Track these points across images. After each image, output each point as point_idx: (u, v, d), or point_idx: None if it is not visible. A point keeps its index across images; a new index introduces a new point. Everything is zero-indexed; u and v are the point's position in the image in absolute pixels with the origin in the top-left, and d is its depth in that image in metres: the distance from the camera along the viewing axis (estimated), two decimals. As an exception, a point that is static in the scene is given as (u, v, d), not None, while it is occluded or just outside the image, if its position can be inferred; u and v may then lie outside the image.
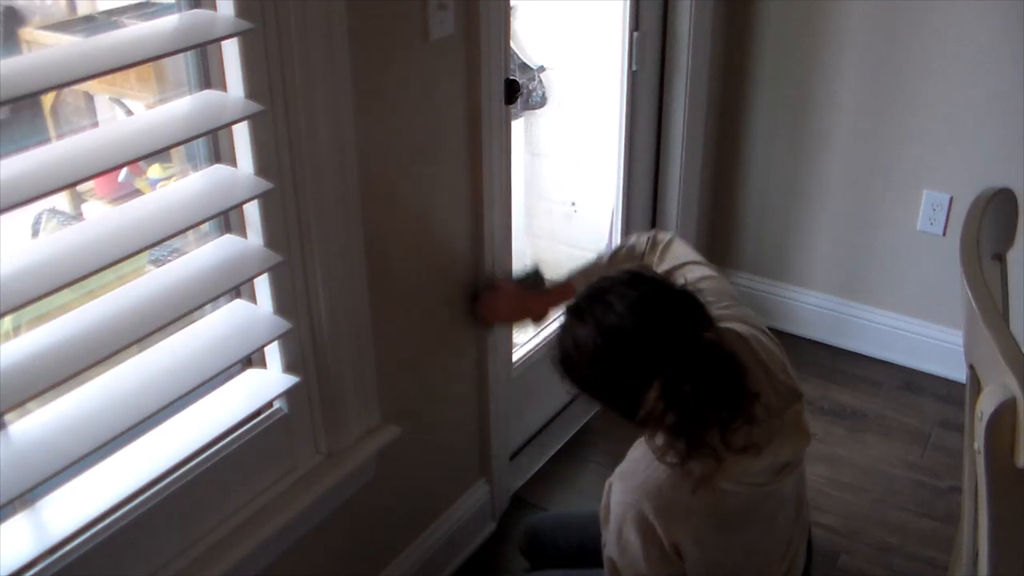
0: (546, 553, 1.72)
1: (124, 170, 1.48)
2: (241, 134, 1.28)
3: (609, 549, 1.41)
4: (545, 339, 2.27)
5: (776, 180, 2.69)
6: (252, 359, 1.43)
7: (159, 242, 1.14)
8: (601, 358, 1.25)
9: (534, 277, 1.77)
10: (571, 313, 1.31)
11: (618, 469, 1.40)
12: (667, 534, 1.33)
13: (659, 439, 1.30)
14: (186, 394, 1.21)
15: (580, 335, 1.27)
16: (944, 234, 2.49)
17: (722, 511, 1.35)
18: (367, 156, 1.43)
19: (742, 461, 1.28)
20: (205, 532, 1.37)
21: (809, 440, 1.40)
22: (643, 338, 1.23)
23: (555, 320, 1.67)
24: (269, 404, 1.45)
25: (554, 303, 1.73)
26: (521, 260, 2.97)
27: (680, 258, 1.59)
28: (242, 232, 1.34)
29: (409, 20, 1.45)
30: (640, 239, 1.67)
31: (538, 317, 1.78)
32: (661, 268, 1.59)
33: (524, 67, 2.72)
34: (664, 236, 1.65)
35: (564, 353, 1.30)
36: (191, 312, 1.22)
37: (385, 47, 1.42)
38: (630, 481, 1.36)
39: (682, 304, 1.27)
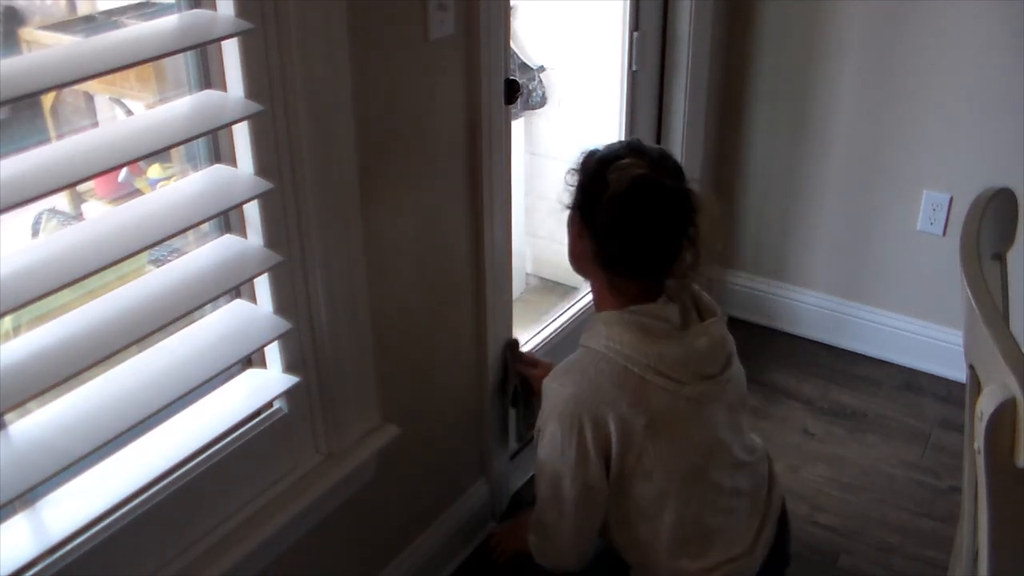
0: None
1: (124, 170, 1.48)
2: (241, 134, 1.28)
3: (539, 446, 1.52)
4: (544, 341, 2.27)
5: (776, 180, 2.69)
6: (252, 359, 1.43)
7: (159, 242, 1.14)
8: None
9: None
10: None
11: (553, 369, 1.53)
12: (593, 424, 1.41)
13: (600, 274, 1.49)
14: (186, 394, 1.21)
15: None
16: (944, 234, 2.49)
17: (648, 404, 1.41)
18: (366, 156, 1.43)
19: (661, 343, 1.42)
20: (205, 532, 1.37)
21: (726, 344, 1.50)
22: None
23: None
24: (269, 404, 1.45)
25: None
26: (520, 260, 2.98)
27: None
28: (242, 232, 1.34)
29: (409, 20, 1.45)
30: None
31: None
32: None
33: (524, 67, 2.72)
34: None
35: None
36: (191, 312, 1.22)
37: (385, 47, 1.42)
38: (560, 369, 1.50)
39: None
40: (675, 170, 1.46)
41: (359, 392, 1.54)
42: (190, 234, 1.30)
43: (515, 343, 1.93)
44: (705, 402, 1.47)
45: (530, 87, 2.74)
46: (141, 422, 1.16)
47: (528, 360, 1.92)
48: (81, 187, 1.42)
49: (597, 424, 1.42)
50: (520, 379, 1.92)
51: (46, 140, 1.19)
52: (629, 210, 1.42)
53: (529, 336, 2.27)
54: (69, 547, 1.18)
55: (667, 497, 1.48)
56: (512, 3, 1.68)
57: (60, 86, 1.03)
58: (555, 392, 1.47)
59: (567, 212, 1.54)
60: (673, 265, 1.46)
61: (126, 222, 1.15)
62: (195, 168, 1.32)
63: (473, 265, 1.79)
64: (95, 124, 1.43)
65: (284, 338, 1.40)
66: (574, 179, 1.50)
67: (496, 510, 2.09)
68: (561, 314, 2.37)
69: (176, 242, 1.32)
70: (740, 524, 1.56)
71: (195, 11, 1.21)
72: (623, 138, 2.16)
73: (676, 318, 1.47)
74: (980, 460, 0.99)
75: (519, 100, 1.91)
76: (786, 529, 1.70)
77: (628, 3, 2.30)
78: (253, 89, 1.25)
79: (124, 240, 1.11)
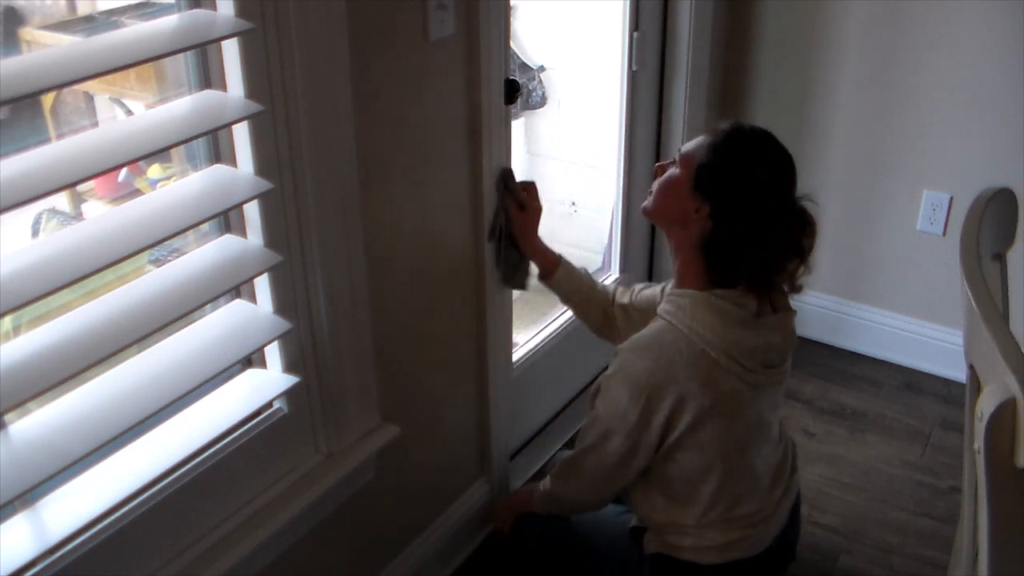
0: None
1: (124, 170, 1.48)
2: (241, 134, 1.28)
3: (598, 399, 1.57)
4: (544, 340, 2.27)
5: (776, 180, 2.69)
6: (252, 359, 1.43)
7: (159, 242, 1.14)
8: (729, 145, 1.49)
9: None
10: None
11: (630, 339, 1.55)
12: (662, 399, 1.48)
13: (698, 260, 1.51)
14: (186, 394, 1.21)
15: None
16: (944, 234, 2.49)
17: (717, 387, 1.48)
18: (367, 156, 1.43)
19: (740, 331, 1.47)
20: (205, 532, 1.37)
21: (794, 339, 1.57)
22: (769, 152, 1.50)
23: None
24: (269, 404, 1.45)
25: (536, 246, 1.81)
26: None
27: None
28: (242, 232, 1.34)
29: (409, 20, 1.45)
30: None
31: (527, 232, 1.82)
32: (627, 297, 1.84)
33: (524, 67, 2.73)
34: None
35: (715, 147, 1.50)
36: (191, 312, 1.21)
37: (385, 47, 1.42)
38: (638, 342, 1.53)
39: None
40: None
41: (359, 392, 1.55)
42: (190, 234, 1.30)
43: (509, 172, 1.78)
44: (764, 387, 1.54)
45: (530, 87, 2.74)
46: (141, 422, 1.16)
47: (521, 195, 1.79)
48: (81, 187, 1.42)
49: (666, 400, 1.48)
50: (507, 217, 1.79)
51: (46, 140, 1.19)
52: (776, 234, 1.47)
53: (529, 336, 2.27)
54: (69, 547, 1.18)
55: (712, 469, 1.56)
56: (512, 3, 1.68)
57: (60, 86, 1.03)
58: (631, 363, 1.51)
59: (675, 171, 1.54)
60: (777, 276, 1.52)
61: (126, 222, 1.15)
62: (195, 168, 1.32)
63: (473, 265, 1.79)
64: (95, 124, 1.43)
65: (284, 338, 1.39)
66: (707, 151, 1.49)
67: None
68: (561, 314, 2.37)
69: (176, 242, 1.32)
70: (764, 493, 1.62)
71: (195, 11, 1.21)
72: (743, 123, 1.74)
73: (753, 306, 1.51)
74: (980, 460, 0.99)
75: (519, 100, 1.91)
76: (797, 522, 1.74)
77: (628, 3, 2.30)
78: (253, 89, 1.25)
79: (124, 240, 1.11)
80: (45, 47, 1.23)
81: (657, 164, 1.62)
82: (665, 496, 1.61)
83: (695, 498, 1.58)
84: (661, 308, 1.55)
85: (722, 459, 1.55)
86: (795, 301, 1.61)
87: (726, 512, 1.58)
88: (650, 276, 2.73)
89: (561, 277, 1.85)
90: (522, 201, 1.79)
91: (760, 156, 1.49)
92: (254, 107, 1.23)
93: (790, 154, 1.50)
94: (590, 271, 1.93)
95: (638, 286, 1.85)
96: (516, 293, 1.94)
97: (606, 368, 1.58)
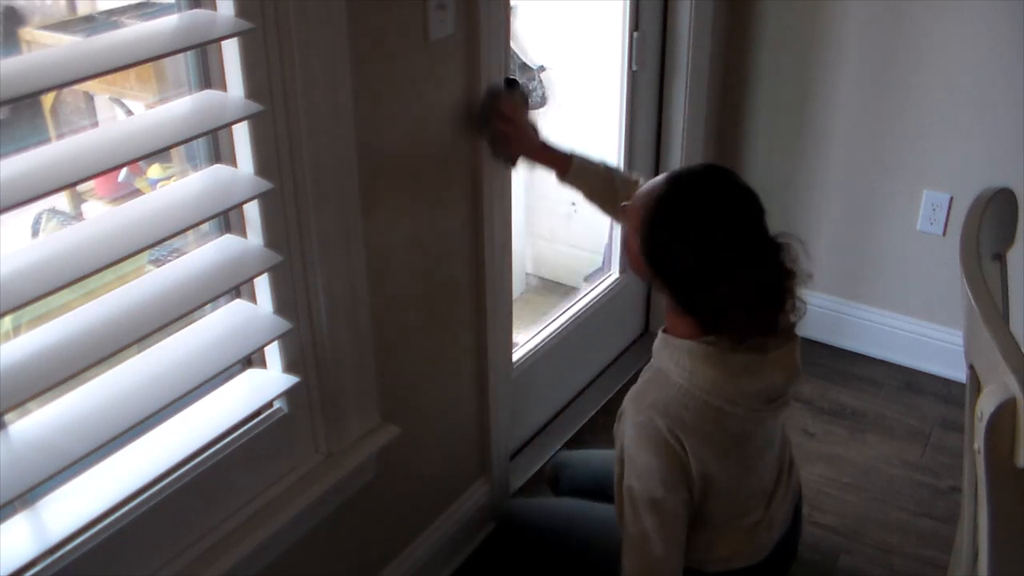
0: (566, 484, 1.90)
1: (124, 170, 1.49)
2: (241, 134, 1.28)
3: (627, 477, 1.48)
4: (544, 340, 2.27)
5: (776, 180, 2.69)
6: (252, 359, 1.43)
7: (159, 242, 1.14)
8: (666, 202, 1.39)
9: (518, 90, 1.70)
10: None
11: (629, 393, 1.50)
12: (678, 443, 1.42)
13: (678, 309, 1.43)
14: (186, 394, 1.21)
15: (655, 186, 1.42)
16: (944, 234, 2.49)
17: (725, 431, 1.44)
18: (367, 156, 1.43)
19: (742, 378, 1.41)
20: (205, 532, 1.37)
21: (798, 373, 1.50)
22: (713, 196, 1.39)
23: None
24: (269, 404, 1.45)
25: (541, 155, 1.73)
26: (521, 261, 2.98)
27: None
28: (242, 232, 1.34)
29: (409, 20, 1.46)
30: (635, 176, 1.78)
31: (525, 149, 1.73)
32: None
33: (524, 67, 2.72)
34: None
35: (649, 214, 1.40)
36: (191, 312, 1.22)
37: (385, 47, 1.42)
38: (641, 402, 1.46)
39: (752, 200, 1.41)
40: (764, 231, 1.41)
41: (359, 392, 1.55)
42: (190, 234, 1.30)
43: (497, 93, 1.65)
44: (770, 418, 1.51)
45: (530, 87, 2.74)
46: (141, 422, 1.16)
47: (510, 111, 1.66)
48: (81, 187, 1.43)
49: (679, 447, 1.42)
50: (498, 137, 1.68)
51: (46, 140, 1.19)
52: (745, 282, 1.37)
53: (529, 336, 2.27)
54: (69, 547, 1.18)
55: (719, 497, 1.51)
56: (512, 3, 1.68)
57: (60, 86, 1.03)
58: (641, 424, 1.43)
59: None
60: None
61: (126, 222, 1.15)
62: (195, 168, 1.32)
63: (473, 265, 1.79)
64: (95, 124, 1.43)
65: (284, 338, 1.40)
66: (646, 225, 1.40)
67: (496, 510, 2.09)
68: (561, 314, 2.37)
69: (176, 242, 1.32)
70: (767, 497, 1.60)
71: (195, 11, 1.21)
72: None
73: (753, 345, 1.43)
74: (980, 460, 0.99)
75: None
76: (798, 524, 1.73)
77: (628, 3, 2.30)
78: (253, 89, 1.25)
79: (124, 240, 1.11)
80: (45, 47, 1.23)
81: (622, 204, 1.51)
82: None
83: (701, 522, 1.54)
84: (658, 356, 1.48)
85: (731, 486, 1.52)
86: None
87: (732, 525, 1.56)
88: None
89: (574, 177, 1.73)
90: (509, 116, 1.67)
91: (703, 217, 1.37)
92: (254, 107, 1.24)
93: (747, 191, 1.39)
94: (589, 272, 1.91)
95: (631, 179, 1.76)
96: (516, 293, 1.94)
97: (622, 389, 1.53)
